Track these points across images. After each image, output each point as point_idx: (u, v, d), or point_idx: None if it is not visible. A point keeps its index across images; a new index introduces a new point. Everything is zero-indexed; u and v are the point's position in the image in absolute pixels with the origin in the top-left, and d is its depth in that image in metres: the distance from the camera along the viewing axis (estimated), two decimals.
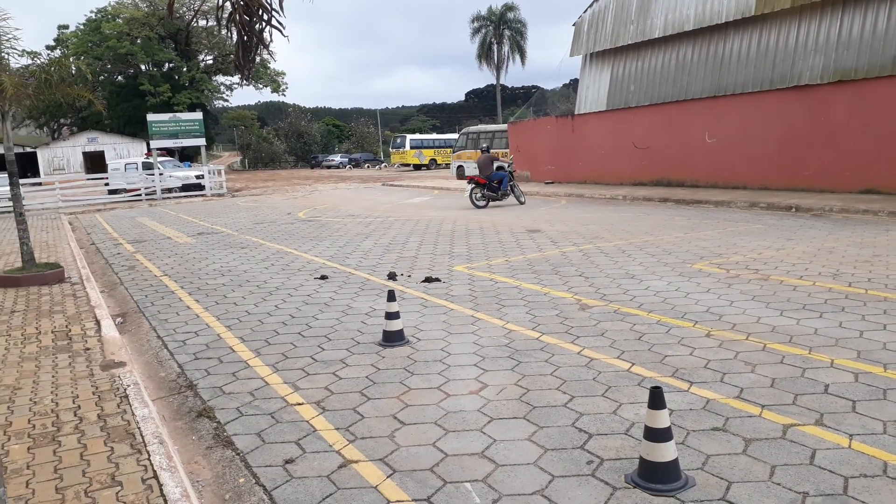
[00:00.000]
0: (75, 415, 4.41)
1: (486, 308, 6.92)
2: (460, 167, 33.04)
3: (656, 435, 3.22)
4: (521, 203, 18.18)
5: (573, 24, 23.30)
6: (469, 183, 18.23)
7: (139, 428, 4.18)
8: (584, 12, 22.77)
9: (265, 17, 4.52)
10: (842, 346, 5.16)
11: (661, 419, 3.21)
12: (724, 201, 15.76)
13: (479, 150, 31.26)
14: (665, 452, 3.21)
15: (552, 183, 23.95)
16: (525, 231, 12.61)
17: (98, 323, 6.93)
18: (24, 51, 8.68)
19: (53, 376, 5.31)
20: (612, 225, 12.96)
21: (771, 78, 16.83)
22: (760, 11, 16.79)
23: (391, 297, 5.84)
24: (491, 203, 18.14)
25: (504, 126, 30.31)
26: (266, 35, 4.54)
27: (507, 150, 28.67)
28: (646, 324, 6.08)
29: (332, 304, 7.50)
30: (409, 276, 8.90)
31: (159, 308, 7.78)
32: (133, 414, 4.39)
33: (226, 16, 4.47)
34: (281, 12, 4.65)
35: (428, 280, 8.47)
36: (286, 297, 7.95)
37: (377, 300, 7.53)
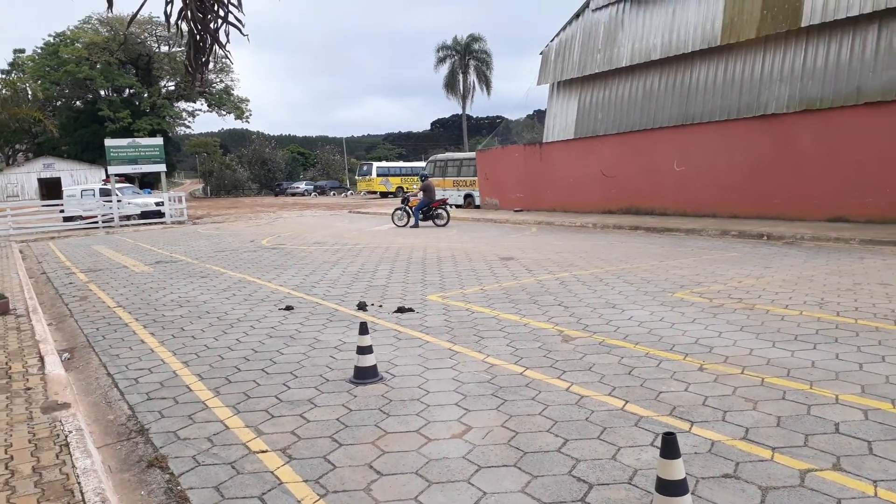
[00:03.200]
0: (6, 467, 3.87)
1: (465, 340, 6.54)
2: None
3: (671, 489, 2.85)
4: (441, 225, 20.52)
5: (540, 53, 23.41)
6: (402, 204, 21.13)
7: (79, 483, 3.67)
8: (552, 41, 22.90)
9: (221, 12, 4.11)
10: (843, 380, 4.90)
11: (676, 470, 2.85)
12: (694, 229, 15.73)
13: (441, 178, 31.15)
14: None
15: (521, 210, 23.81)
16: (498, 259, 12.30)
17: (42, 359, 6.34)
18: None
19: None
20: (586, 253, 12.74)
21: (738, 106, 17.00)
22: (726, 41, 17.01)
23: (363, 329, 5.42)
24: (421, 224, 20.73)
25: (471, 154, 30.23)
26: (222, 34, 4.14)
27: (475, 178, 28.57)
28: (634, 356, 5.76)
29: (299, 336, 7.03)
30: (381, 305, 8.48)
31: (111, 342, 7.21)
32: (73, 465, 3.86)
33: (176, 12, 4.05)
34: (239, 7, 4.24)
35: (400, 310, 8.06)
36: (248, 330, 7.45)
37: (347, 332, 7.09)
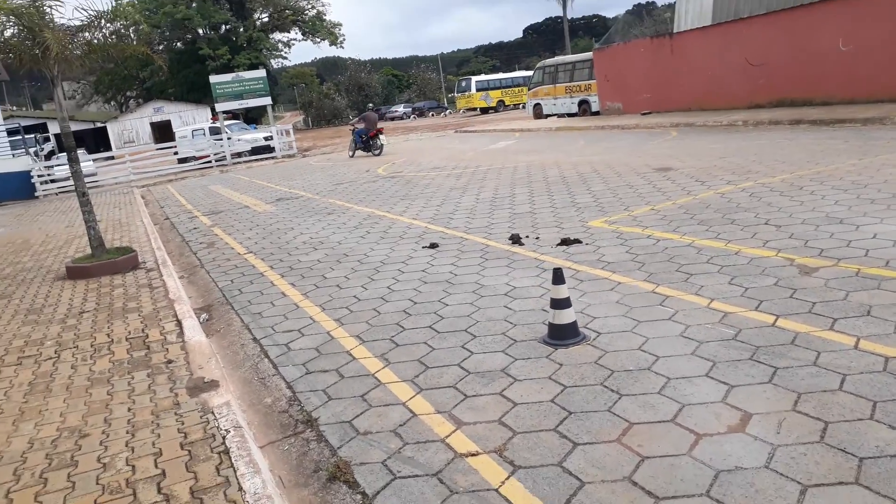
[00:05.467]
0: (159, 490, 3.05)
1: (668, 279, 5.24)
2: (537, 105, 30.84)
3: None
4: (377, 154, 21.05)
5: None
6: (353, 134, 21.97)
7: None
8: None
9: None
10: None
11: None
12: (874, 117, 13.30)
13: (552, 85, 28.96)
14: None
15: (649, 113, 21.58)
16: (653, 170, 10.71)
17: (180, 323, 5.65)
18: (76, 7, 7.30)
19: (130, 409, 4.02)
20: (758, 155, 10.87)
21: None
22: None
23: (558, 276, 4.22)
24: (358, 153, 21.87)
25: (585, 55, 27.77)
26: None
27: (590, 82, 26.30)
28: None
29: (457, 281, 5.98)
30: (538, 237, 7.27)
31: (249, 297, 6.46)
32: (240, 486, 2.99)
33: None
34: None
35: (565, 242, 6.82)
36: (397, 275, 6.48)
37: (511, 274, 5.96)
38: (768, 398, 3.26)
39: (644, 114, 21.64)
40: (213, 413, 3.79)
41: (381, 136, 21.22)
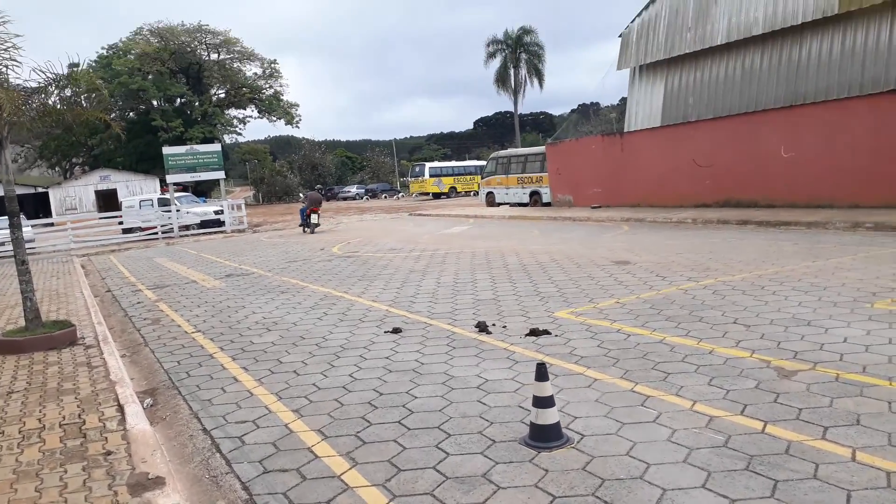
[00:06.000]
0: None
1: (646, 377, 5.08)
2: (490, 193, 31.43)
3: None
4: (311, 232, 22.74)
5: (619, 36, 21.70)
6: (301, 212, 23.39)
7: None
8: (632, 22, 21.17)
9: None
10: None
11: None
12: (817, 222, 13.90)
13: (504, 176, 29.66)
14: None
15: (599, 207, 22.15)
16: (612, 263, 10.78)
17: (121, 408, 5.15)
18: (32, 69, 7.03)
19: None
20: (713, 253, 11.11)
21: (860, 82, 15.08)
22: (845, 9, 15.09)
23: (542, 373, 4.01)
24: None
25: (537, 149, 28.64)
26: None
27: (541, 174, 27.01)
28: None
29: (425, 371, 5.68)
30: (505, 326, 7.08)
31: (198, 381, 5.99)
32: None
33: None
34: None
35: (534, 332, 6.64)
36: (359, 362, 6.14)
37: (482, 364, 5.72)
38: None
39: (594, 207, 22.21)
40: None
41: (315, 215, 22.78)
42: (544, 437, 3.99)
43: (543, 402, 4.00)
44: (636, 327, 6.58)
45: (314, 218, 22.74)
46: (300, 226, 23.97)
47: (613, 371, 5.29)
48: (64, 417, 5.01)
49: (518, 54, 57.56)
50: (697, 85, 19.29)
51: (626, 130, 21.74)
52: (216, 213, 27.36)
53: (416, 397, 5.04)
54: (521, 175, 28.98)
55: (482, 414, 4.59)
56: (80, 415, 5.07)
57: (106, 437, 4.59)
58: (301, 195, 67.68)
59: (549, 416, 4.00)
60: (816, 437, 3.81)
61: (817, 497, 3.17)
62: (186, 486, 3.95)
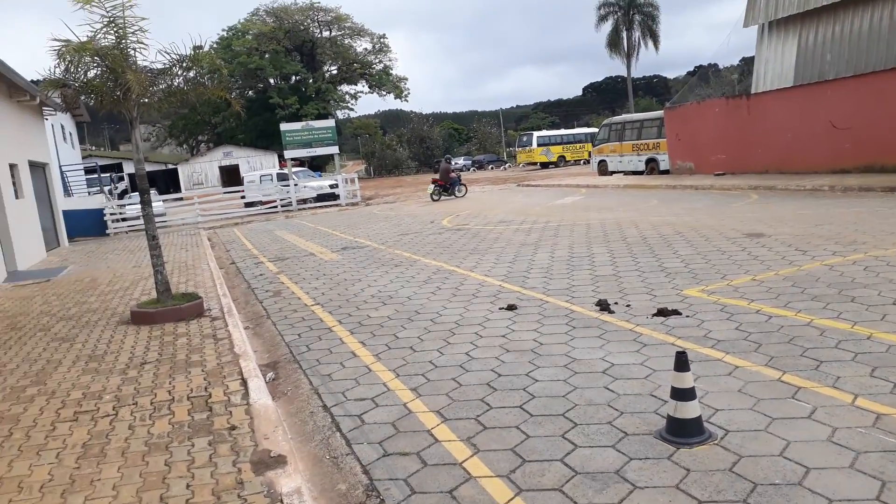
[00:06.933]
0: None
1: (794, 365, 4.57)
2: (602, 162, 30.32)
3: None
4: (459, 196, 25.12)
5: None
6: (433, 184, 25.13)
7: None
8: None
9: None
10: None
11: None
12: None
13: (618, 143, 28.46)
14: None
15: (723, 174, 20.79)
16: (744, 235, 9.99)
17: (245, 382, 5.24)
18: (158, 51, 7.23)
19: (188, 486, 3.58)
20: (857, 224, 10.06)
21: None
22: None
23: (682, 362, 3.65)
24: (443, 196, 24.95)
25: (654, 114, 27.25)
26: None
27: (658, 140, 25.70)
28: None
29: (543, 352, 5.42)
30: (629, 305, 6.67)
31: (318, 355, 6.04)
32: None
33: None
34: None
35: (662, 313, 6.19)
36: (474, 339, 5.97)
37: (606, 346, 5.38)
38: None
39: (718, 174, 20.86)
40: (281, 503, 3.30)
41: (454, 186, 25.23)
42: (684, 431, 3.64)
43: (684, 395, 3.64)
44: (778, 308, 6.00)
45: (459, 186, 25.23)
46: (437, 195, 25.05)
47: (756, 358, 4.81)
48: (191, 390, 5.17)
49: (631, 15, 55.01)
50: (836, 40, 17.46)
51: (752, 92, 20.14)
52: (331, 186, 28.08)
53: (536, 380, 4.80)
54: (636, 142, 27.73)
55: (610, 402, 4.28)
56: (206, 387, 5.21)
57: (230, 412, 4.67)
58: (413, 167, 68.82)
59: (689, 410, 3.64)
60: None
61: None
62: (308, 467, 3.93)
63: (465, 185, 26.40)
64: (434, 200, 24.47)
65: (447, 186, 25.11)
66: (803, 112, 18.09)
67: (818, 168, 17.80)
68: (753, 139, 19.79)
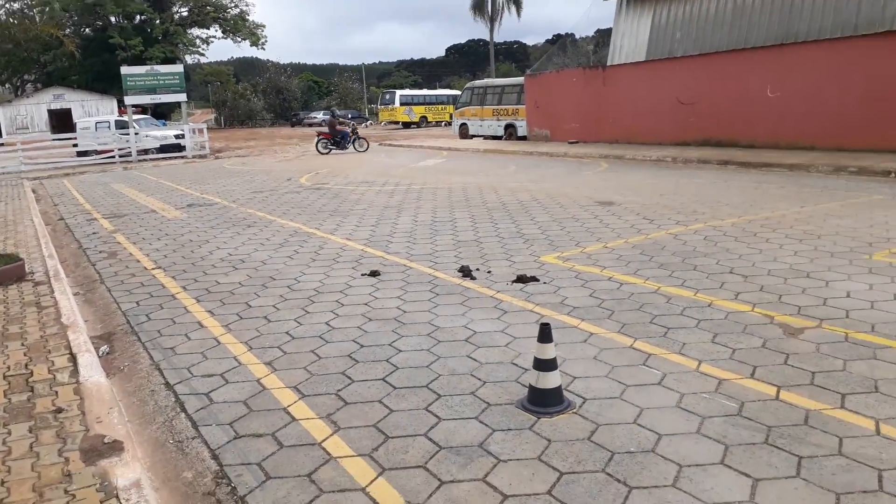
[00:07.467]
0: None
1: (644, 332, 4.77)
2: (463, 125, 30.62)
3: None
4: (361, 151, 24.75)
5: None
6: (318, 136, 25.06)
7: None
8: None
9: None
10: None
11: None
12: (800, 164, 13.69)
13: (479, 107, 28.81)
14: None
15: (576, 142, 21.67)
16: (595, 203, 10.42)
17: (73, 357, 4.68)
18: None
19: (3, 483, 3.11)
20: (698, 195, 10.81)
21: (855, 23, 14.59)
22: None
23: (546, 334, 3.65)
24: (333, 151, 24.57)
25: (515, 80, 27.80)
26: None
27: (517, 107, 26.28)
28: None
29: (408, 320, 5.30)
30: (490, 271, 6.70)
31: (159, 325, 5.52)
32: None
33: None
34: None
35: (521, 280, 6.27)
36: (335, 308, 5.73)
37: (468, 314, 5.36)
38: (804, 499, 2.78)
39: (571, 143, 21.72)
40: (117, 498, 2.94)
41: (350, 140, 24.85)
42: (544, 401, 3.67)
43: (546, 365, 3.65)
44: (628, 275, 6.27)
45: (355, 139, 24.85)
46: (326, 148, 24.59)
47: (609, 324, 4.98)
48: (9, 367, 4.53)
49: None
50: (686, 19, 18.57)
51: (608, 64, 21.05)
52: (177, 137, 26.11)
53: (399, 350, 4.67)
54: (496, 107, 28.20)
55: (473, 371, 4.25)
56: (26, 364, 4.59)
57: (56, 392, 4.14)
58: (267, 118, 65.77)
59: (550, 380, 3.66)
60: (835, 406, 3.55)
61: (846, 478, 2.91)
62: (148, 453, 3.54)
63: (365, 140, 25.54)
64: (322, 153, 24.15)
65: (337, 140, 24.58)
66: (652, 86, 19.17)
67: (663, 139, 19.00)
68: (607, 110, 20.75)
